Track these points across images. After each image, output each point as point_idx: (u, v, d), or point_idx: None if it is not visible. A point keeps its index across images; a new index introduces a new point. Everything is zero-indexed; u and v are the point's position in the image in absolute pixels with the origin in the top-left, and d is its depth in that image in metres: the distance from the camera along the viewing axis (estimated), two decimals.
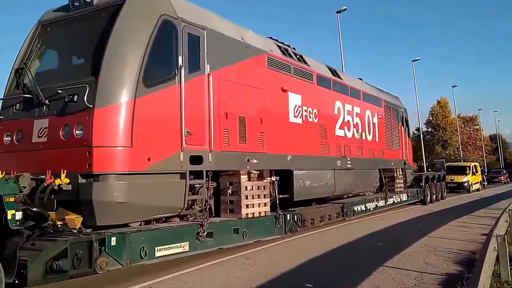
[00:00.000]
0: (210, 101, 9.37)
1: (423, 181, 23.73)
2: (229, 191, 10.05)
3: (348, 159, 15.81)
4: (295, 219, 12.29)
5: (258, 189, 10.59)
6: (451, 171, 34.09)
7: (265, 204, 10.84)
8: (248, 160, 10.52)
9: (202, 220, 8.94)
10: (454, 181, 34.44)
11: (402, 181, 20.73)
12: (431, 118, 70.07)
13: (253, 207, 10.36)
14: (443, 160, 39.08)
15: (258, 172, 10.66)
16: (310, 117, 13.50)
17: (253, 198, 10.37)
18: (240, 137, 10.31)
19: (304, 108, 13.23)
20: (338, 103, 15.42)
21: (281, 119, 12.10)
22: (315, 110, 13.80)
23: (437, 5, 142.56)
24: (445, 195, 27.13)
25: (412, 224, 15.73)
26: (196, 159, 9.02)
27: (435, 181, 25.69)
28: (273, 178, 11.58)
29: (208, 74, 9.41)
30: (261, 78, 11.32)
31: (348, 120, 16.06)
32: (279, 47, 12.69)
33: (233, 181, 10.08)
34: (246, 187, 10.14)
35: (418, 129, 57.62)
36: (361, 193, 18.35)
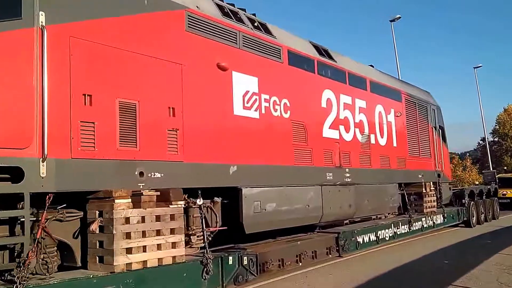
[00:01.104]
0: (42, 74, 5.43)
1: (467, 198, 18.84)
2: (92, 226, 5.98)
3: (347, 170, 11.44)
4: (245, 262, 8.08)
5: (158, 220, 6.48)
6: (504, 183, 28.37)
7: (175, 245, 6.70)
8: (141, 173, 6.49)
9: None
10: (506, 195, 27.71)
11: (435, 198, 15.99)
12: (497, 127, 63.93)
13: (144, 250, 6.24)
14: (494, 171, 33.22)
15: (158, 194, 6.56)
16: (275, 110, 9.31)
17: (144, 236, 6.25)
18: (124, 137, 6.32)
19: (264, 96, 9.07)
20: (329, 93, 11.12)
21: (218, 110, 8.01)
22: (285, 101, 9.59)
23: (495, 11, 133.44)
24: (497, 214, 21.91)
25: (437, 260, 11.07)
26: (8, 173, 5.13)
27: (483, 197, 20.66)
28: (200, 201, 7.49)
29: (42, 28, 5.49)
30: (175, 46, 7.31)
31: (345, 117, 11.70)
32: (218, 5, 8.60)
33: (105, 209, 6.03)
34: (127, 218, 6.06)
35: (483, 139, 54.05)
36: (374, 217, 13.80)
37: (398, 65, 29.46)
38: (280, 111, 9.45)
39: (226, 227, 8.10)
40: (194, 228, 7.69)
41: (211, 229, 7.95)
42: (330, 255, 10.56)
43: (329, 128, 10.98)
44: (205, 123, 7.66)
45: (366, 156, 12.38)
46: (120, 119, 6.24)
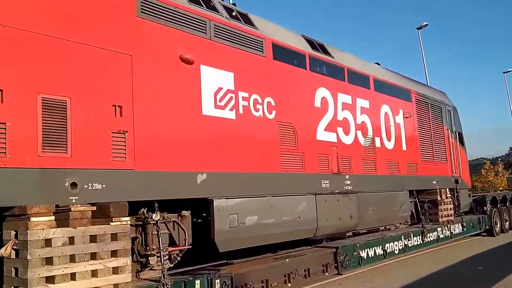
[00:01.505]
0: None
1: (489, 204, 17.33)
2: (2, 251, 4.91)
3: (346, 177, 10.19)
4: (217, 286, 6.92)
5: (93, 241, 5.36)
6: None
7: (118, 270, 5.57)
8: (74, 184, 5.41)
9: None
10: None
11: (452, 206, 14.55)
12: None
13: (74, 278, 5.13)
14: None
15: (93, 209, 5.46)
16: (256, 110, 8.17)
17: (73, 261, 5.14)
18: (49, 141, 5.26)
19: (242, 94, 7.94)
20: (324, 91, 9.92)
21: (182, 109, 6.90)
22: (268, 100, 8.45)
23: None
24: None
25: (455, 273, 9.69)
26: None
27: (507, 203, 19.04)
28: (156, 216, 6.37)
29: None
30: (122, 34, 6.25)
31: (344, 118, 10.47)
32: None
33: (19, 229, 4.96)
34: (48, 240, 4.95)
35: None
36: (383, 228, 12.46)
37: (426, 73, 27.80)
38: (263, 111, 8.31)
39: (190, 246, 6.92)
40: (154, 247, 6.57)
41: (175, 248, 6.83)
42: (327, 273, 9.30)
43: (325, 130, 9.77)
44: (164, 124, 6.56)
45: (370, 161, 11.11)
46: (43, 120, 5.19)
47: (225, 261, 8.20)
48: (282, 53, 8.94)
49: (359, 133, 10.86)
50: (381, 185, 11.37)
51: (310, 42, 10.07)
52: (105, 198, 5.68)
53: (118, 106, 5.99)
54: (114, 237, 5.56)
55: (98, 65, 5.82)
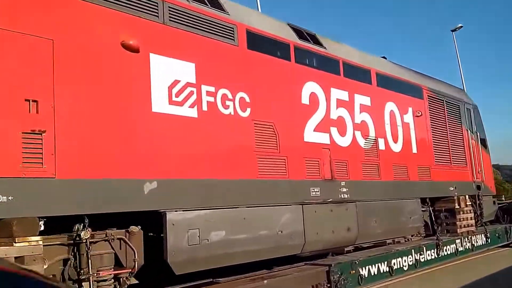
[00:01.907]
0: None
1: None
2: None
3: (342, 184, 8.93)
4: None
5: None
6: None
7: None
8: None
9: None
10: None
11: (472, 215, 13.04)
12: None
13: None
14: None
15: None
16: (225, 107, 7.02)
17: None
18: None
19: (207, 89, 6.80)
20: (313, 86, 8.71)
21: (124, 105, 5.81)
22: (241, 95, 7.30)
23: None
24: None
25: None
26: None
27: None
28: (86, 234, 5.29)
29: None
30: (39, 13, 5.20)
31: (339, 117, 9.22)
32: None
33: None
34: None
35: None
36: (390, 241, 11.06)
37: (462, 76, 26.21)
38: (234, 108, 7.15)
39: (127, 270, 5.79)
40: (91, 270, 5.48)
41: (117, 271, 5.72)
42: None
43: (314, 130, 8.54)
44: (98, 122, 5.48)
45: (372, 166, 9.80)
46: None
47: (211, 279, 7.06)
48: (259, 42, 7.79)
49: (358, 134, 9.58)
50: (386, 193, 10.04)
51: (298, 31, 8.89)
52: (12, 213, 4.61)
53: (33, 100, 4.93)
54: (20, 261, 4.48)
55: (4, 50, 4.78)
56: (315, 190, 8.29)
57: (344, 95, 9.39)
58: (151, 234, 6.50)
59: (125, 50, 5.87)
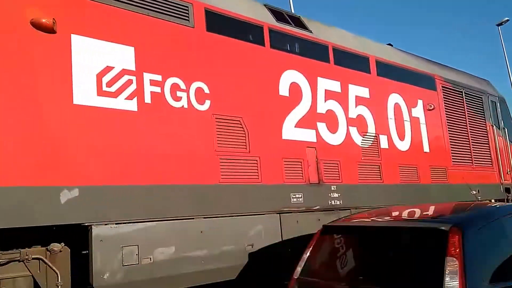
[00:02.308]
0: None
1: None
2: None
3: (333, 188, 7.68)
4: None
5: None
6: None
7: None
8: None
9: None
10: None
11: None
12: None
13: None
14: None
15: None
16: (176, 99, 5.92)
17: None
18: None
19: (150, 77, 5.72)
20: (294, 75, 7.52)
21: (38, 98, 4.80)
22: (198, 86, 6.18)
23: None
24: None
25: None
26: None
27: None
28: None
29: None
30: None
31: (329, 111, 7.98)
32: None
33: None
34: None
35: None
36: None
37: (509, 72, 24.45)
38: (189, 100, 6.04)
39: None
40: None
41: None
42: None
43: (296, 126, 7.34)
44: None
45: (371, 167, 8.50)
46: None
47: None
48: (222, 23, 6.67)
49: (353, 130, 8.31)
50: (390, 198, 8.70)
51: (276, 13, 7.72)
52: None
53: None
54: None
55: None
56: (297, 196, 7.08)
57: (335, 85, 8.16)
58: (85, 252, 5.42)
59: (36, 30, 4.85)
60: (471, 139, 11.33)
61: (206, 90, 6.22)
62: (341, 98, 8.23)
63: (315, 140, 7.57)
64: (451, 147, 10.56)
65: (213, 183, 6.08)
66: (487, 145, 11.92)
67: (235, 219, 6.24)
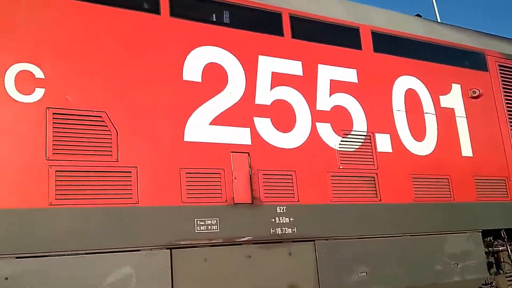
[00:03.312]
0: None
1: None
2: None
3: (280, 210, 5.35)
4: None
5: None
6: None
7: None
8: None
9: None
10: None
11: None
12: None
13: None
14: None
15: None
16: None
17: None
18: None
19: None
20: (212, 53, 5.38)
21: None
22: (21, 67, 4.39)
23: None
24: None
25: None
26: None
27: None
28: None
29: None
30: None
31: (279, 101, 5.67)
32: None
33: None
34: None
35: None
36: None
37: None
38: (4, 89, 4.27)
39: None
40: None
41: None
42: None
43: (212, 123, 5.17)
44: None
45: (358, 179, 5.92)
46: None
47: None
48: None
49: (323, 127, 5.85)
50: (394, 223, 6.00)
51: None
52: None
53: None
54: None
55: None
56: (207, 222, 4.87)
57: (291, 66, 5.82)
58: None
59: None
60: None
61: (38, 74, 4.40)
62: (303, 83, 5.85)
63: (248, 142, 5.31)
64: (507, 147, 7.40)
65: (41, 206, 4.18)
66: None
67: (84, 258, 4.25)
